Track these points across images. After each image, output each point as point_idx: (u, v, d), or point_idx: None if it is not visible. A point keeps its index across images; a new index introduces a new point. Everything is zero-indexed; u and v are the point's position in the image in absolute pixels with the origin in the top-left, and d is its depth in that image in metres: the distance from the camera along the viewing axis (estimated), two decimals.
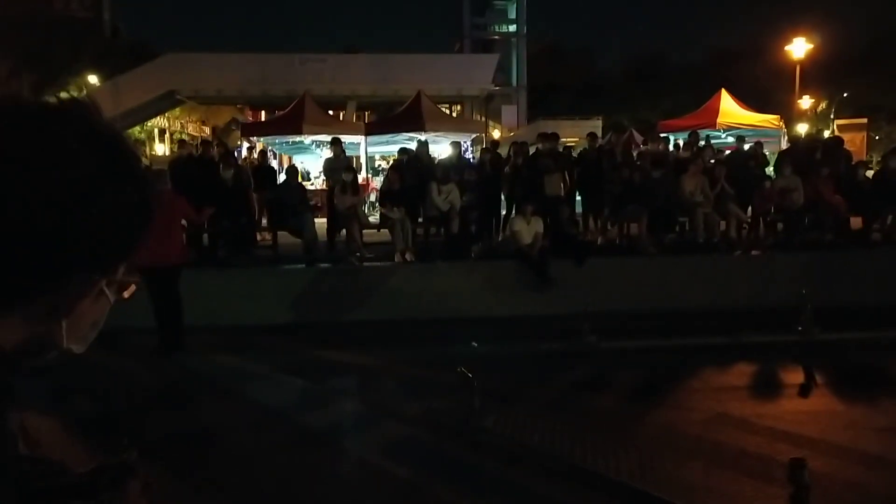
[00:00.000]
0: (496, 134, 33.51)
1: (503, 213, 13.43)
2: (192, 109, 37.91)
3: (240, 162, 15.03)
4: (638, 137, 22.52)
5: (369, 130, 19.63)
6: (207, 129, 36.38)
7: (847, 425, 6.49)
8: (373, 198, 16.01)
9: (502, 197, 13.35)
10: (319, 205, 13.57)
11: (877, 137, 36.20)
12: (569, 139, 19.19)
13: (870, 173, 13.77)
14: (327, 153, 14.70)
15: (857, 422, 6.59)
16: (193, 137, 33.06)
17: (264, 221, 12.61)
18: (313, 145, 19.37)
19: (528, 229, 10.96)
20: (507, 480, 5.55)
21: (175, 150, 14.81)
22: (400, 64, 28.64)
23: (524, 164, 12.92)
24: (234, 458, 6.06)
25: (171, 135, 38.88)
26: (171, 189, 9.14)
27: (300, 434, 6.61)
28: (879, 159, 16.85)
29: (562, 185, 12.48)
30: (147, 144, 37.09)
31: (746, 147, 14.80)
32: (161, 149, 38.05)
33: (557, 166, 12.60)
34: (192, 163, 12.21)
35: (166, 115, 36.64)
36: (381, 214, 12.34)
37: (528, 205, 11.21)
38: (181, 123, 41.12)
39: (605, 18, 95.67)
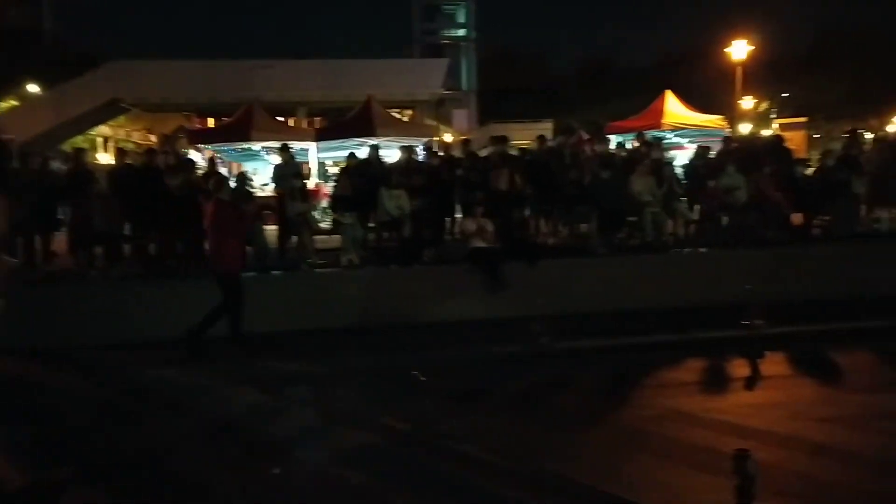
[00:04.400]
0: (448, 138, 33.58)
1: (457, 216, 13.45)
2: (137, 118, 37.15)
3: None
4: (588, 140, 22.82)
5: (320, 136, 19.49)
6: (153, 138, 35.67)
7: (791, 416, 6.66)
8: (325, 204, 15.89)
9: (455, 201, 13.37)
10: (270, 212, 13.39)
11: (816, 136, 37.28)
12: (520, 142, 19.31)
13: (810, 171, 14.16)
14: (277, 160, 14.54)
15: (801, 413, 6.77)
16: (139, 146, 32.41)
17: None
18: (263, 152, 19.15)
19: (479, 230, 10.99)
20: (464, 485, 5.55)
21: (116, 158, 14.46)
22: (350, 69, 28.53)
23: (470, 163, 13.01)
24: (182, 472, 5.93)
25: (116, 144, 38.03)
26: (220, 198, 9.17)
27: (251, 446, 6.51)
28: (818, 157, 17.34)
29: (509, 181, 12.50)
30: (90, 153, 36.17)
31: (693, 147, 15.11)
32: (105, 158, 37.20)
33: (504, 162, 12.66)
34: (133, 172, 11.93)
35: (110, 123, 35.85)
36: (333, 220, 12.24)
37: (478, 205, 11.25)
38: (126, 132, 40.24)
39: (554, 23, 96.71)
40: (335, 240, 12.19)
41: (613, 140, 17.47)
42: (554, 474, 5.57)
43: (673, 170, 13.51)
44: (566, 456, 5.98)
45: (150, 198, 10.90)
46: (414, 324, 10.10)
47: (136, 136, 40.62)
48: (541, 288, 10.52)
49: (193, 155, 19.41)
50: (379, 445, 6.45)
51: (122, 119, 35.92)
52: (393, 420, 7.01)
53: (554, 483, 5.46)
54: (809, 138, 31.30)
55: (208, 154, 18.39)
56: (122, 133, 40.00)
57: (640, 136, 15.50)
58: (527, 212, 13.21)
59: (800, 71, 43.04)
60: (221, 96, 26.65)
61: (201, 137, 20.73)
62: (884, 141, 16.26)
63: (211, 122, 30.83)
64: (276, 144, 15.32)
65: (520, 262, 10.96)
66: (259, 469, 5.88)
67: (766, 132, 30.40)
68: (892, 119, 42.17)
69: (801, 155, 18.11)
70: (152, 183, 11.18)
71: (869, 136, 20.90)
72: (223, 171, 17.66)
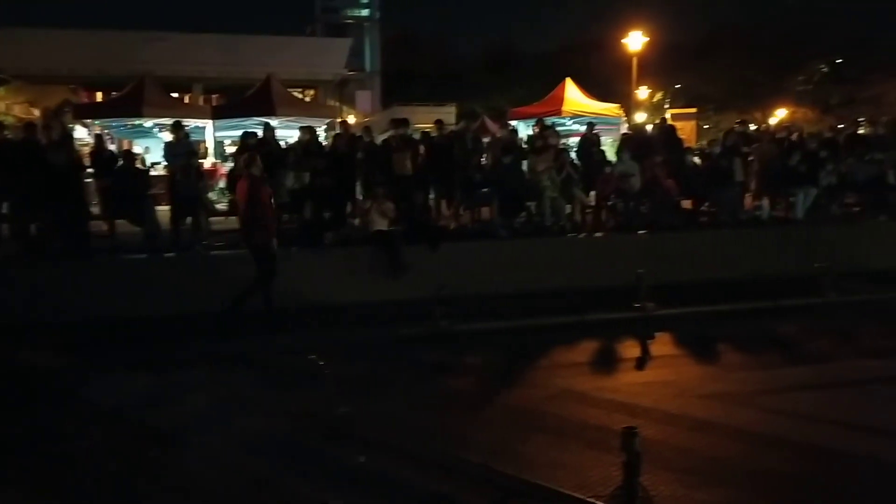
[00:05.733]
0: (351, 119, 33.19)
1: (359, 198, 13.31)
2: (18, 90, 34.81)
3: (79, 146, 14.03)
4: (491, 125, 23.09)
5: (217, 114, 18.82)
6: (37, 112, 33.57)
7: (677, 394, 6.98)
8: (222, 184, 15.39)
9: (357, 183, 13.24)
10: (162, 191, 12.86)
11: (706, 126, 39.01)
12: (424, 125, 19.29)
13: (697, 159, 14.80)
14: (169, 138, 13.95)
15: (686, 390, 7.10)
16: (21, 120, 30.38)
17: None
18: (156, 129, 18.33)
19: (381, 214, 10.93)
20: (365, 469, 5.52)
21: None
22: (249, 46, 27.74)
23: (372, 146, 12.91)
24: (71, 461, 5.65)
25: None
26: (251, 173, 9.30)
27: (144, 433, 6.27)
28: (706, 146, 18.17)
29: (409, 164, 12.48)
30: None
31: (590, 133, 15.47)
32: None
33: (405, 145, 12.62)
34: (12, 147, 11.15)
35: None
36: (230, 201, 11.87)
37: (379, 187, 11.17)
38: (6, 105, 37.66)
39: (458, 6, 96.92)
40: (232, 221, 11.83)
41: (521, 127, 17.79)
42: (452, 456, 5.63)
43: (570, 156, 13.82)
44: (464, 437, 6.06)
45: (30, 175, 10.23)
46: (314, 306, 9.96)
47: (18, 110, 38.02)
48: (442, 271, 10.56)
49: (80, 130, 18.45)
50: (277, 431, 6.33)
51: (1, 91, 33.59)
52: (291, 405, 6.90)
53: (452, 465, 5.52)
54: (699, 128, 32.68)
55: (96, 129, 17.47)
56: (1, 106, 37.41)
57: (540, 122, 15.75)
58: (429, 195, 13.24)
59: (691, 63, 44.86)
60: (110, 69, 25.36)
61: (88, 112, 19.69)
62: (769, 133, 17.22)
63: (99, 97, 29.31)
64: (170, 121, 14.69)
65: (421, 245, 10.98)
66: (150, 457, 5.67)
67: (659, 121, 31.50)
68: (775, 112, 44.70)
69: (691, 144, 18.93)
70: (32, 159, 10.49)
71: (753, 127, 22.02)
72: (112, 147, 16.86)
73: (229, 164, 15.16)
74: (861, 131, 17.53)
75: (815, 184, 13.42)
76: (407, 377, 7.91)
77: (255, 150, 12.17)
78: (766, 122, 37.82)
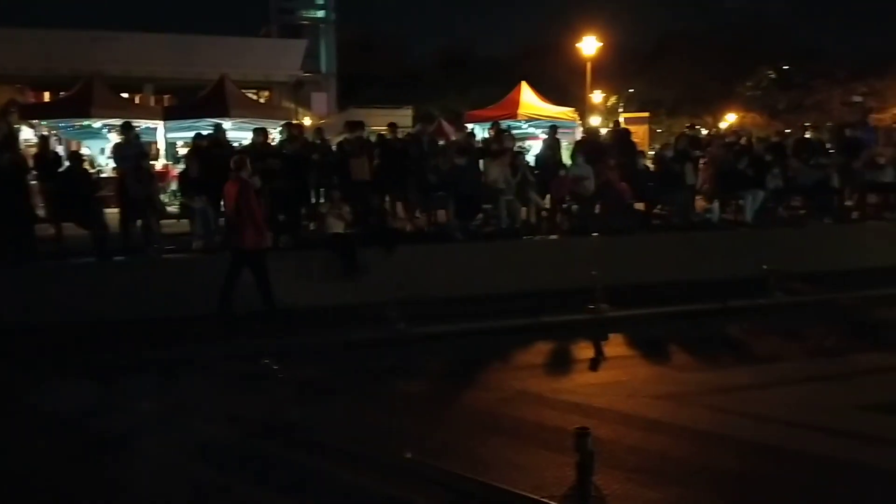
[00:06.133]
0: (307, 122, 32.94)
1: (313, 201, 13.20)
2: None
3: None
4: (448, 128, 23.14)
5: (168, 115, 18.54)
6: None
7: (630, 394, 7.08)
8: (174, 186, 15.12)
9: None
10: (111, 193, 12.57)
11: (658, 130, 39.73)
12: (380, 128, 19.24)
13: (650, 163, 15.04)
14: (119, 139, 13.65)
15: (639, 391, 7.21)
16: None
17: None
18: (105, 129, 17.92)
19: (337, 216, 10.87)
20: (318, 473, 5.49)
21: None
22: (203, 46, 27.37)
23: (325, 149, 12.83)
24: (10, 470, 5.48)
25: None
26: (241, 177, 9.31)
27: (88, 440, 6.12)
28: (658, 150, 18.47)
29: (367, 168, 12.45)
30: None
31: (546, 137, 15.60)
32: None
33: (362, 150, 12.58)
34: None
35: None
36: (181, 204, 11.67)
37: (336, 191, 11.11)
38: None
39: (415, 9, 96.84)
40: (184, 224, 11.64)
41: (477, 130, 17.86)
42: (409, 459, 5.61)
43: (526, 159, 13.92)
44: (421, 440, 6.05)
45: None
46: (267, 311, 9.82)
47: None
48: (398, 274, 10.54)
49: (26, 131, 17.96)
50: (227, 437, 6.24)
51: None
52: (243, 410, 6.82)
53: (408, 468, 5.51)
54: (652, 132, 33.25)
55: (42, 130, 17.01)
56: None
57: (495, 126, 15.83)
58: (385, 198, 13.21)
59: (644, 68, 45.69)
60: (58, 68, 24.78)
61: (35, 112, 19.20)
62: (719, 138, 17.58)
63: (47, 97, 28.54)
64: (119, 122, 14.39)
65: (378, 248, 10.94)
66: (94, 465, 5.53)
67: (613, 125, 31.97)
68: (725, 116, 45.73)
69: (644, 148, 19.22)
70: None
71: (704, 131, 22.50)
72: (59, 149, 16.43)
73: (181, 166, 14.88)
74: (808, 136, 18.02)
75: (763, 187, 13.75)
76: (362, 381, 7.87)
77: (207, 151, 12.05)
78: (716, 127, 38.68)
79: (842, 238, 13.31)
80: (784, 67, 46.46)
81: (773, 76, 46.78)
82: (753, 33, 46.23)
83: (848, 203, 14.92)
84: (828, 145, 16.18)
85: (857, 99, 42.38)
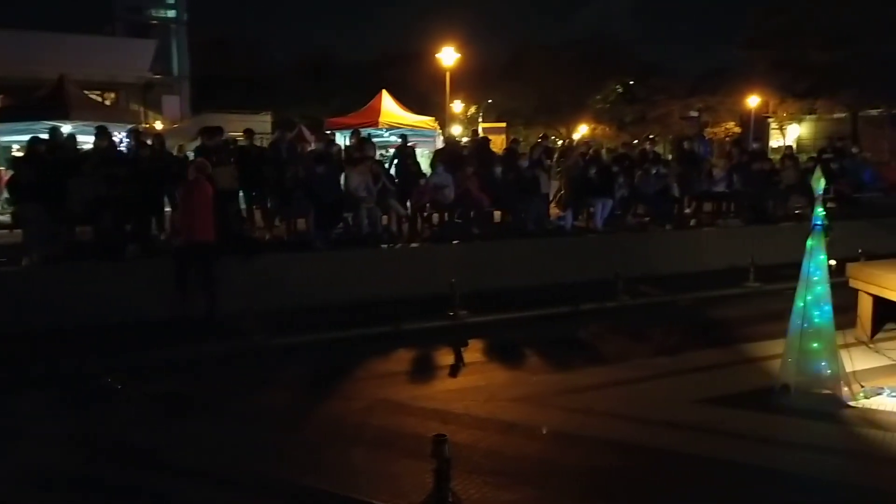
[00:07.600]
0: (158, 125, 31.40)
1: (167, 210, 12.59)
2: None
3: None
4: (308, 135, 22.80)
5: (1, 116, 17.16)
6: None
7: (487, 399, 7.24)
8: (6, 194, 13.96)
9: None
10: None
11: (520, 140, 41.03)
12: (236, 133, 18.66)
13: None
14: None
15: (495, 395, 7.39)
16: None
17: None
18: None
19: None
20: (171, 497, 5.21)
21: None
22: (40, 43, 25.47)
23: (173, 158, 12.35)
24: None
25: None
26: (206, 176, 9.93)
27: None
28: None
29: (231, 177, 12.05)
30: None
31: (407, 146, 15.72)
32: None
33: (227, 159, 12.18)
34: None
35: None
36: (12, 212, 10.78)
37: None
38: None
39: (272, 11, 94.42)
40: (16, 235, 10.77)
41: (338, 137, 17.71)
42: (266, 476, 5.46)
43: (386, 167, 13.98)
44: (279, 455, 5.92)
45: None
46: (115, 325, 9.27)
47: None
48: (256, 284, 10.25)
49: None
50: (68, 462, 5.81)
51: None
52: (84, 432, 6.38)
53: (265, 483, 5.36)
54: (509, 142, 34.23)
55: None
56: None
57: (356, 134, 15.78)
58: (242, 205, 12.84)
59: (501, 80, 47.10)
60: None
61: None
62: (574, 149, 18.40)
63: None
64: None
65: (235, 256, 10.59)
66: None
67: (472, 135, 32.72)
68: (578, 128, 47.99)
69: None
70: None
71: (559, 142, 23.48)
72: None
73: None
74: (655, 147, 19.23)
75: (612, 196, 14.52)
76: (217, 395, 7.57)
77: (45, 155, 11.24)
78: (570, 137, 40.49)
79: (681, 243, 14.27)
80: (630, 83, 49.38)
81: (620, 90, 49.63)
82: (603, 49, 48.78)
83: (686, 211, 16.09)
84: (668, 156, 17.39)
85: (694, 114, 45.80)
